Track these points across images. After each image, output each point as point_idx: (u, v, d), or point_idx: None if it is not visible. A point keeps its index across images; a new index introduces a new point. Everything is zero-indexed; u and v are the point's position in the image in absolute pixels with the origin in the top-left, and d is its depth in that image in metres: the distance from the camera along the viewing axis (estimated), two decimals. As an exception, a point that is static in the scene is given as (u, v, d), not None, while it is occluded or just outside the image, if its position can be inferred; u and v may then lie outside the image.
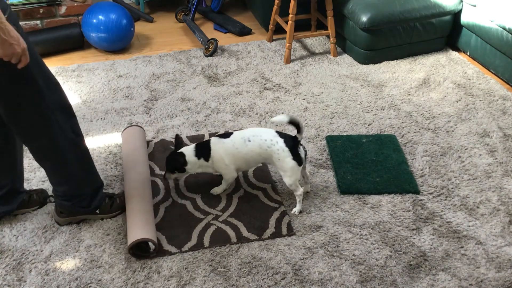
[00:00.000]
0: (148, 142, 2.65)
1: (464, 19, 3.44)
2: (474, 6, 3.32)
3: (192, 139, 2.67)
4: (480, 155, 2.60)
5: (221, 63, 3.46)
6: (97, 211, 2.14)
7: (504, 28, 3.07)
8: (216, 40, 3.53)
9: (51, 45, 3.51)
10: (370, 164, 2.51)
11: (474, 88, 3.18)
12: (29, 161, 2.48)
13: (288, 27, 3.39)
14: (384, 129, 2.79)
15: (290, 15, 3.35)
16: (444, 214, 2.25)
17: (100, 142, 2.68)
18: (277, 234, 2.13)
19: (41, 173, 2.41)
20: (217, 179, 2.41)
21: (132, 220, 2.05)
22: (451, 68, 3.41)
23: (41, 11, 3.58)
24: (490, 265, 2.02)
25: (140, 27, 4.01)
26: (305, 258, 2.03)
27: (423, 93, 3.13)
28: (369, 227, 2.17)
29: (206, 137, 2.68)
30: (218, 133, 2.36)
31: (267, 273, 1.96)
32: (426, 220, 2.22)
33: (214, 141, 2.22)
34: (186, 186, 2.38)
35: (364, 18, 3.27)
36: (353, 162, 2.52)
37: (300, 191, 2.20)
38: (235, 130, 2.50)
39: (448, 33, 3.56)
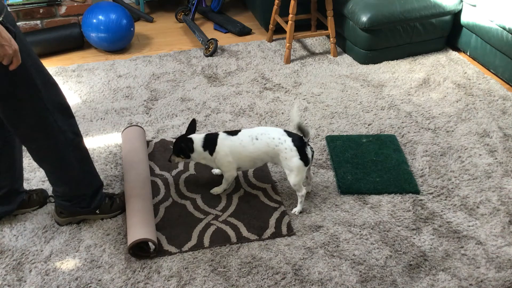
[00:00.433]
0: (148, 142, 2.65)
1: (464, 19, 3.44)
2: (474, 6, 3.32)
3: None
4: (480, 155, 2.60)
5: (221, 63, 3.46)
6: (97, 211, 2.14)
7: (504, 28, 3.07)
8: (216, 40, 3.53)
9: (51, 45, 3.51)
10: (370, 164, 2.51)
11: (474, 88, 3.18)
12: (29, 161, 2.48)
13: (288, 27, 3.39)
14: (384, 129, 2.79)
15: (290, 15, 3.36)
16: (444, 214, 2.25)
17: (100, 142, 2.68)
18: (277, 234, 2.13)
19: (41, 173, 2.41)
20: (217, 179, 2.41)
21: (132, 220, 2.05)
22: (451, 68, 3.41)
23: (41, 11, 3.58)
24: (490, 265, 2.02)
25: (140, 27, 4.01)
26: (305, 258, 2.03)
27: (423, 93, 3.13)
28: (369, 227, 2.18)
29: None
30: (227, 130, 2.34)
31: (267, 273, 1.96)
32: (426, 220, 2.22)
33: (222, 136, 2.20)
34: (186, 186, 2.38)
35: (364, 18, 3.27)
36: (353, 162, 2.52)
37: (303, 191, 2.19)
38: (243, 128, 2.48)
39: (448, 33, 3.56)
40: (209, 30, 3.98)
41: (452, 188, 2.39)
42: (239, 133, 2.20)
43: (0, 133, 1.93)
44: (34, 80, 1.71)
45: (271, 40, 3.76)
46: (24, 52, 1.61)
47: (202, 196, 2.33)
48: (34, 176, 2.41)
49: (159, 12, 4.30)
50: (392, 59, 3.50)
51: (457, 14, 3.49)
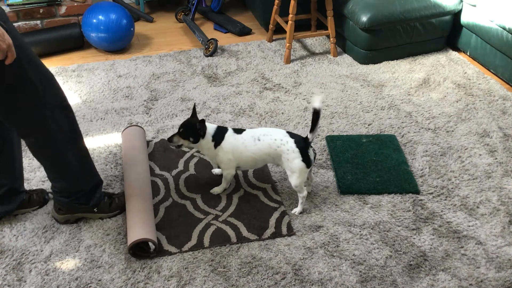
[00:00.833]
0: (148, 142, 2.65)
1: (464, 19, 3.44)
2: (474, 6, 3.32)
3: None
4: (480, 155, 2.60)
5: (221, 63, 3.46)
6: (95, 209, 2.14)
7: (504, 28, 3.07)
8: (216, 40, 3.53)
9: (51, 45, 3.51)
10: (370, 164, 2.51)
11: (474, 88, 3.18)
12: (29, 161, 2.48)
13: (288, 27, 3.39)
14: (384, 129, 2.79)
15: (290, 15, 3.36)
16: (444, 214, 2.25)
17: (100, 142, 2.68)
18: (277, 234, 2.13)
19: (41, 173, 2.41)
20: (217, 179, 2.41)
21: (132, 220, 2.05)
22: (451, 68, 3.41)
23: (41, 11, 3.58)
24: (490, 265, 2.02)
25: (140, 27, 4.01)
26: (305, 258, 2.03)
27: (423, 93, 3.13)
28: (369, 227, 2.17)
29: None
30: (235, 127, 2.31)
31: (267, 273, 1.96)
32: (426, 220, 2.22)
33: (229, 133, 2.19)
34: (186, 186, 2.38)
35: (364, 18, 3.27)
36: (353, 162, 2.52)
37: (304, 193, 2.19)
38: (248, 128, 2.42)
39: (448, 33, 3.56)
40: (209, 30, 3.98)
41: (452, 188, 2.39)
42: (243, 133, 2.19)
43: None
44: (29, 76, 1.71)
45: (271, 40, 3.76)
46: (18, 48, 1.61)
47: (202, 196, 2.33)
48: (34, 176, 2.41)
49: (159, 12, 4.30)
50: (392, 59, 3.50)
51: (457, 14, 3.49)
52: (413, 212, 2.25)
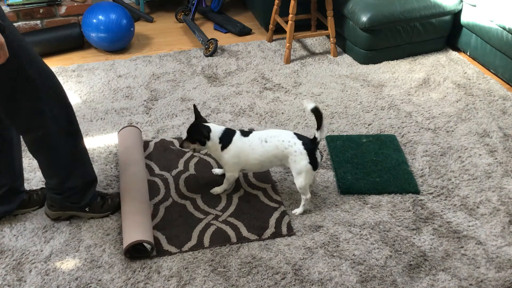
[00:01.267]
0: (148, 142, 2.65)
1: (464, 19, 3.44)
2: (474, 6, 3.32)
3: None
4: (480, 155, 2.60)
5: (221, 63, 3.46)
6: (86, 209, 2.14)
7: (504, 28, 3.07)
8: (216, 40, 3.53)
9: (51, 45, 3.51)
10: (370, 164, 2.51)
11: (474, 88, 3.18)
12: (29, 161, 2.48)
13: (288, 27, 3.39)
14: (384, 129, 2.79)
15: (290, 15, 3.36)
16: (444, 214, 2.25)
17: (100, 142, 2.68)
18: (277, 234, 2.13)
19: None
20: (217, 179, 2.41)
21: (125, 222, 2.05)
22: (451, 68, 3.41)
23: (41, 11, 3.58)
24: (490, 265, 2.02)
25: (140, 27, 4.01)
26: (305, 258, 2.03)
27: (423, 93, 3.13)
28: (369, 227, 2.17)
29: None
30: (242, 129, 2.31)
31: (267, 273, 1.96)
32: (426, 220, 2.22)
33: (237, 136, 2.18)
34: (186, 186, 2.38)
35: (364, 18, 3.27)
36: (353, 162, 2.52)
37: (308, 195, 2.19)
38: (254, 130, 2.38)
39: (448, 33, 3.56)
40: (209, 30, 3.98)
41: (452, 188, 2.39)
42: (250, 135, 2.18)
43: None
44: (30, 74, 1.71)
45: (271, 40, 3.76)
46: (15, 43, 1.61)
47: (202, 196, 2.32)
48: (34, 176, 2.41)
49: (159, 12, 4.30)
50: (392, 59, 3.50)
51: (457, 14, 3.49)
52: (413, 212, 2.25)
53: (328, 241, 2.10)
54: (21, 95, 1.74)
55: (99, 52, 3.62)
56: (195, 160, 2.54)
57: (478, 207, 2.29)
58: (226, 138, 2.17)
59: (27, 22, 3.59)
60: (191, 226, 2.16)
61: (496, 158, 2.58)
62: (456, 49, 3.65)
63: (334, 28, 3.49)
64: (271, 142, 2.13)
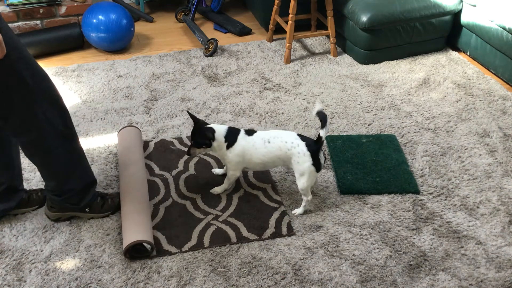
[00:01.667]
0: (148, 142, 2.65)
1: (464, 19, 3.44)
2: (474, 6, 3.32)
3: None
4: (480, 155, 2.60)
5: (221, 63, 3.46)
6: (86, 209, 2.14)
7: (504, 28, 3.07)
8: (216, 40, 3.53)
9: (51, 45, 3.51)
10: (370, 164, 2.51)
11: (474, 88, 3.18)
12: (28, 162, 2.46)
13: (288, 27, 3.39)
14: (384, 129, 2.79)
15: (290, 15, 3.36)
16: (444, 214, 2.25)
17: (100, 142, 2.68)
18: (277, 234, 2.13)
19: (41, 173, 2.41)
20: (217, 179, 2.41)
21: (124, 223, 2.05)
22: (451, 68, 3.41)
23: (41, 11, 3.58)
24: (490, 265, 2.02)
25: (140, 27, 4.01)
26: (305, 258, 2.03)
27: (423, 93, 3.13)
28: (369, 227, 2.17)
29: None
30: (247, 128, 2.30)
31: (267, 273, 1.96)
32: (426, 220, 2.22)
33: (241, 135, 2.18)
34: (186, 186, 2.38)
35: (364, 18, 3.27)
36: (353, 162, 2.52)
37: (309, 197, 2.19)
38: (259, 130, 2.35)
39: (448, 33, 3.56)
40: (209, 30, 3.98)
41: (452, 188, 2.39)
42: (254, 135, 2.18)
43: None
44: (21, 72, 1.71)
45: (271, 40, 3.76)
46: (9, 45, 1.61)
47: (202, 196, 2.32)
48: (34, 176, 2.41)
49: (159, 12, 4.30)
50: (392, 59, 3.50)
51: (457, 14, 3.49)
52: (413, 212, 2.25)
53: (328, 241, 2.10)
54: (15, 97, 1.74)
55: (99, 52, 3.62)
56: (195, 160, 2.54)
57: (478, 207, 2.29)
58: (231, 136, 2.17)
59: (27, 22, 3.59)
60: (191, 226, 2.16)
61: (496, 158, 2.58)
62: (456, 49, 3.65)
63: (334, 28, 3.49)
64: (274, 143, 2.12)
